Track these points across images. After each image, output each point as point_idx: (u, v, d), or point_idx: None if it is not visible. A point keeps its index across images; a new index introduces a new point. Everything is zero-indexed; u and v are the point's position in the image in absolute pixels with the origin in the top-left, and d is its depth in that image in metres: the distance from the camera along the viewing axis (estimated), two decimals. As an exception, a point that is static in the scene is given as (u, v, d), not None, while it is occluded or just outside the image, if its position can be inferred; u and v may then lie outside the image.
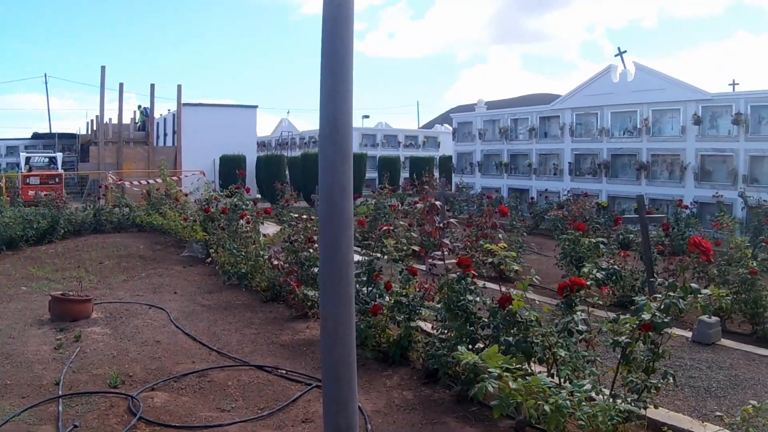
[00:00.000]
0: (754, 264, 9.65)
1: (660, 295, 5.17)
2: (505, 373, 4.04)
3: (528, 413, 4.06)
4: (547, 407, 3.98)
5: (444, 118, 71.14)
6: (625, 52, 25.04)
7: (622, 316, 5.20)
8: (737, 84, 26.56)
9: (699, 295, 4.98)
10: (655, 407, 5.36)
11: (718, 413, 5.77)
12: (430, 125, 74.45)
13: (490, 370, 4.05)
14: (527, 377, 4.08)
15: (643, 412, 5.13)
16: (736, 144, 21.21)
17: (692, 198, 21.62)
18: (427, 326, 7.99)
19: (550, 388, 4.14)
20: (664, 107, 23.45)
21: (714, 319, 8.96)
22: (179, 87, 34.57)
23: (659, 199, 23.06)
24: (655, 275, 9.75)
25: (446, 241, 8.57)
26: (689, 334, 8.99)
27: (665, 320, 4.90)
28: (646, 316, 4.88)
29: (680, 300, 4.93)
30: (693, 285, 5.06)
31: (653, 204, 22.57)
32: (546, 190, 26.93)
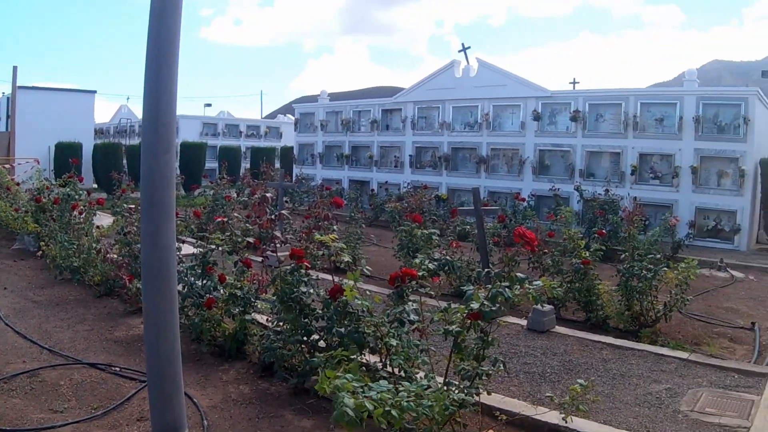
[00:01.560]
0: (587, 254, 10.43)
1: (489, 285, 5.42)
2: (359, 389, 4.15)
3: (377, 422, 4.14)
4: (394, 412, 4.12)
5: (288, 109, 70.89)
6: (468, 48, 26.34)
7: (453, 306, 5.43)
8: (577, 82, 28.68)
9: (528, 286, 5.28)
10: (488, 393, 5.69)
11: (547, 394, 6.13)
12: (273, 115, 73.86)
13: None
14: (371, 386, 4.20)
15: (476, 398, 5.33)
16: (574, 140, 22.89)
17: (530, 191, 23.11)
18: (263, 319, 8.11)
19: (391, 390, 4.29)
20: (504, 103, 24.91)
21: (548, 307, 9.63)
22: (15, 69, 33.81)
23: (498, 191, 24.35)
24: (490, 265, 10.31)
25: (278, 233, 8.95)
26: (524, 322, 9.67)
27: (493, 309, 5.15)
28: (475, 305, 5.12)
29: (507, 289, 5.20)
30: (519, 275, 5.38)
31: (492, 197, 23.74)
32: (386, 182, 27.91)
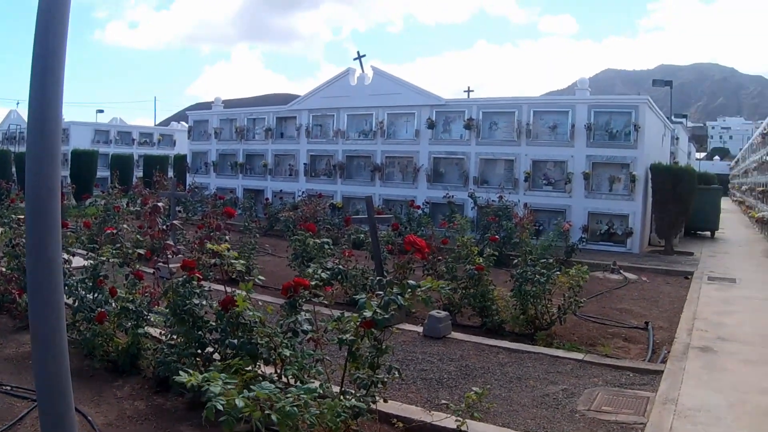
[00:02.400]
0: (481, 260, 10.54)
1: (382, 293, 5.42)
2: (230, 388, 4.13)
3: (256, 424, 4.14)
4: (274, 416, 4.11)
5: (182, 116, 70.08)
6: (364, 56, 26.42)
7: (346, 314, 5.42)
8: (472, 91, 29.19)
9: (418, 291, 5.30)
10: (385, 401, 5.67)
11: (444, 401, 6.23)
12: (167, 122, 73.07)
13: (212, 389, 4.12)
14: (252, 388, 4.17)
15: (373, 406, 5.37)
16: (468, 147, 23.26)
17: (425, 198, 23.31)
18: (156, 332, 7.94)
19: (276, 394, 4.24)
20: (399, 111, 25.13)
21: (443, 313, 9.71)
22: None
23: (393, 199, 24.57)
24: (385, 273, 10.34)
25: (170, 242, 8.73)
26: (421, 329, 9.70)
27: (386, 317, 5.14)
28: (368, 314, 5.12)
29: (399, 297, 5.22)
30: (411, 282, 5.38)
31: (387, 204, 23.94)
32: (281, 190, 27.86)
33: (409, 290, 5.32)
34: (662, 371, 8.30)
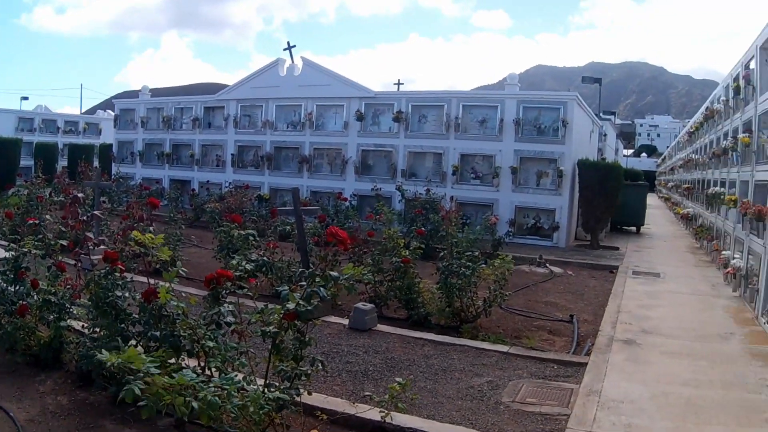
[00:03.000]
0: (407, 253, 10.62)
1: (305, 285, 5.42)
2: (152, 372, 4.11)
3: (179, 411, 4.12)
4: (195, 404, 4.10)
5: (109, 104, 68.74)
6: (294, 46, 26.24)
7: (270, 306, 5.44)
8: (402, 84, 29.25)
9: (341, 279, 5.37)
10: (309, 393, 5.67)
11: (366, 393, 6.28)
12: (93, 111, 71.49)
13: (134, 370, 4.10)
14: (174, 375, 4.18)
15: (297, 398, 5.36)
16: (397, 140, 23.34)
17: (353, 191, 23.37)
18: (79, 325, 7.73)
19: (198, 383, 4.27)
20: (328, 102, 25.09)
21: (369, 305, 9.80)
22: None
23: (321, 191, 24.47)
24: (311, 265, 10.58)
25: (90, 234, 8.54)
26: (347, 322, 9.74)
27: (309, 308, 5.17)
28: (291, 306, 5.14)
29: (322, 288, 5.24)
30: (333, 273, 5.39)
31: (315, 196, 23.85)
32: (208, 181, 27.62)
33: (332, 282, 5.34)
34: (586, 363, 8.46)
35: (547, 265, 16.70)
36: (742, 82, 14.63)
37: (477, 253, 10.86)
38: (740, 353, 9.36)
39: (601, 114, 39.96)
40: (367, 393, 6.24)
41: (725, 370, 8.47)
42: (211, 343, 5.60)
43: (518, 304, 12.12)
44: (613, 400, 7.16)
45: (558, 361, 8.65)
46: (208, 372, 5.58)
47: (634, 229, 28.21)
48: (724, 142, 16.52)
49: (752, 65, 13.88)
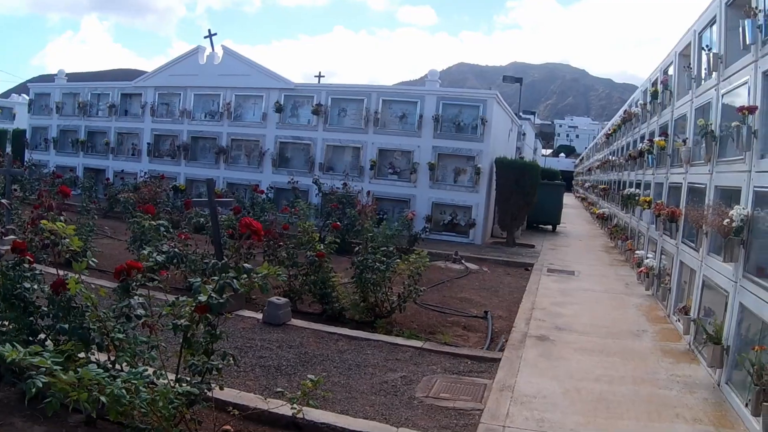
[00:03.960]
0: (321, 247, 10.61)
1: (216, 277, 5.39)
2: (55, 368, 3.99)
3: (84, 406, 4.05)
4: (103, 398, 4.04)
5: (24, 88, 66.89)
6: (215, 34, 25.96)
7: (182, 299, 5.38)
8: (323, 76, 29.15)
9: (254, 275, 5.32)
10: (221, 388, 5.67)
11: (279, 389, 6.18)
12: (7, 95, 68.93)
13: (37, 365, 3.97)
14: (78, 369, 4.08)
15: (209, 393, 5.37)
16: (315, 133, 23.32)
17: (270, 183, 23.32)
18: None
19: (105, 378, 4.17)
20: (247, 93, 24.92)
21: (283, 300, 9.77)
22: None
23: (238, 183, 24.34)
24: (225, 258, 10.49)
25: (-5, 224, 8.29)
26: (261, 316, 9.71)
27: (221, 301, 5.15)
28: (203, 298, 5.10)
29: (234, 280, 5.22)
30: (246, 265, 5.42)
31: (232, 188, 23.64)
32: (123, 171, 27.09)
33: (245, 274, 5.30)
34: (500, 359, 8.61)
35: (463, 261, 16.90)
36: (660, 87, 15.04)
37: (392, 249, 10.96)
38: (652, 350, 9.65)
39: (521, 113, 40.59)
40: (279, 389, 6.19)
41: (637, 367, 8.72)
42: (121, 336, 5.49)
43: (433, 299, 12.25)
44: (526, 395, 7.31)
45: (472, 356, 8.77)
46: (118, 366, 5.46)
47: (550, 227, 28.80)
48: (641, 145, 16.97)
49: (671, 71, 14.30)
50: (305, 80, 26.92)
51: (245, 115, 25.40)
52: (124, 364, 5.38)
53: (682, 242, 11.33)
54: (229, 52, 25.93)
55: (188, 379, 5.28)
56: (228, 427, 5.76)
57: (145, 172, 25.94)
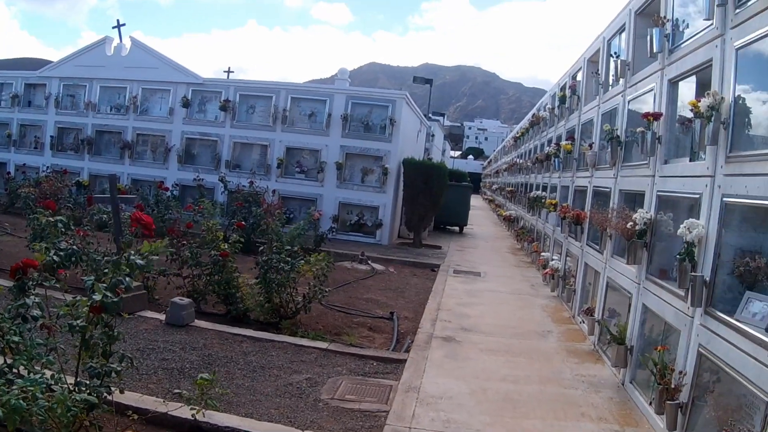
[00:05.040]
0: (226, 246, 10.50)
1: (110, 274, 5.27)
2: None
3: None
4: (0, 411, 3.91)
5: None
6: (123, 25, 25.32)
7: (79, 298, 5.25)
8: (232, 72, 28.81)
9: (137, 257, 5.28)
10: (122, 392, 5.52)
11: (176, 390, 6.18)
12: None
13: None
14: None
15: (109, 397, 5.24)
16: (222, 129, 23.04)
17: (175, 180, 22.90)
18: None
19: (1, 384, 4.09)
20: (155, 86, 24.42)
21: (187, 300, 9.60)
22: None
23: (143, 179, 23.81)
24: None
25: None
26: (164, 317, 9.51)
27: (115, 300, 5.02)
28: (97, 297, 4.98)
29: (126, 278, 5.15)
30: (138, 261, 5.31)
31: (136, 185, 23.17)
32: (25, 164, 26.07)
33: (137, 270, 5.23)
34: (406, 360, 8.68)
35: (369, 262, 16.96)
36: (568, 92, 15.38)
37: (297, 248, 10.92)
38: (557, 350, 9.86)
39: (430, 115, 40.90)
40: (176, 391, 6.10)
41: (543, 367, 8.91)
42: (17, 339, 5.27)
43: (339, 300, 12.26)
44: (432, 396, 7.38)
45: (377, 357, 8.81)
46: (15, 371, 5.30)
47: (457, 228, 29.13)
48: (548, 148, 17.30)
49: (579, 77, 14.63)
50: (216, 76, 26.53)
51: (152, 109, 24.89)
52: (21, 367, 5.23)
53: (587, 244, 11.61)
54: (137, 44, 25.38)
55: (87, 382, 5.15)
56: (130, 431, 5.63)
57: (48, 167, 25.12)
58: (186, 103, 23.70)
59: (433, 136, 34.47)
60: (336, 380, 7.76)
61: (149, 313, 9.82)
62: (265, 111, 23.21)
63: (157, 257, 5.36)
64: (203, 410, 5.51)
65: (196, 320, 9.66)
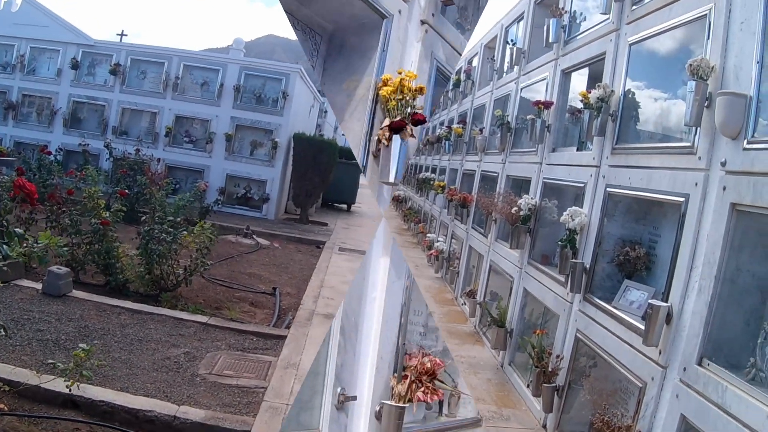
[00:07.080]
0: (107, 215, 10.16)
1: None
2: None
3: None
4: None
5: None
6: (16, -20, 24.29)
7: None
8: (126, 35, 27.90)
9: (33, 245, 5.08)
10: None
11: (50, 361, 5.95)
12: None
13: None
14: None
15: None
16: (111, 94, 22.23)
17: (59, 144, 22.08)
18: None
19: None
20: (44, 46, 23.20)
21: (65, 269, 9.26)
22: None
23: (27, 143, 22.74)
24: (4, 222, 9.74)
25: None
26: (40, 286, 9.15)
27: None
28: None
29: (4, 246, 4.90)
30: (18, 230, 5.11)
31: (19, 147, 22.13)
32: None
33: (16, 238, 4.98)
34: (286, 336, 8.62)
35: (254, 236, 16.75)
36: (463, 76, 15.51)
37: (179, 219, 10.69)
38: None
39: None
40: (50, 361, 5.83)
41: (423, 347, 8.93)
42: None
43: (221, 274, 12.10)
44: (311, 373, 7.31)
45: (258, 333, 8.75)
46: None
47: (345, 206, 29.08)
48: (439, 131, 17.41)
49: (475, 62, 14.74)
50: (103, 36, 25.68)
51: (40, 69, 23.69)
52: None
53: (472, 227, 11.74)
54: (29, 1, 24.13)
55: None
56: (2, 405, 5.39)
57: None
58: (75, 65, 22.73)
59: (326, 112, 34.33)
60: (215, 355, 7.64)
61: (25, 282, 9.42)
62: (156, 77, 22.52)
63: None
64: (78, 383, 5.35)
65: (74, 290, 9.33)
